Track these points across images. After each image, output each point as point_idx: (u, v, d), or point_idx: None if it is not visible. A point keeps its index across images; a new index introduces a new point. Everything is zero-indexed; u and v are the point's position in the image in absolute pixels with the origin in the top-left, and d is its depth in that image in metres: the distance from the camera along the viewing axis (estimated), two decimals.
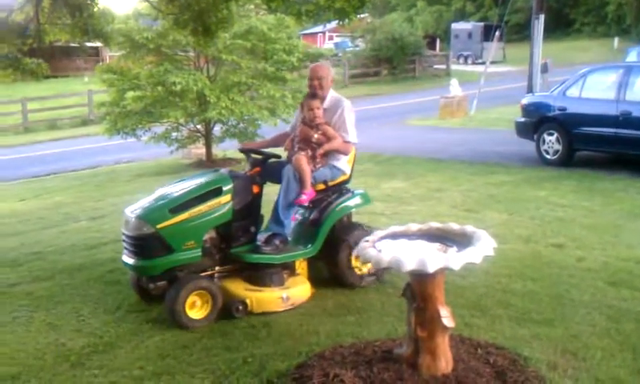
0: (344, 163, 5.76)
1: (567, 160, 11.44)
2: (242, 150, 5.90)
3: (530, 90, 17.10)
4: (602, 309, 5.04)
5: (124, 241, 5.25)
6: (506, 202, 8.85)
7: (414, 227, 4.14)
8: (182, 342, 4.78)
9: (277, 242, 5.40)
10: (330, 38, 53.00)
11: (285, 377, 4.06)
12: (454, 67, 35.80)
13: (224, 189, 5.26)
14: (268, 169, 5.61)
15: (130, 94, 13.43)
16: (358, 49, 37.72)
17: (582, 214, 8.06)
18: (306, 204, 5.54)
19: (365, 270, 5.69)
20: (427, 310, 3.77)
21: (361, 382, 3.75)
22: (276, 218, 5.43)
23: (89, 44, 41.37)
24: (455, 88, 19.99)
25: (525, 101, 12.79)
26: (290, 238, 5.55)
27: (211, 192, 5.23)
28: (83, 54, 40.94)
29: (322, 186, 5.62)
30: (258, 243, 5.43)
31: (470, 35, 42.03)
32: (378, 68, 33.98)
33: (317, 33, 52.08)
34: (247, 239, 5.43)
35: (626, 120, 10.55)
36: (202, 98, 12.90)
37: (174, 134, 13.77)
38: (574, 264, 6.14)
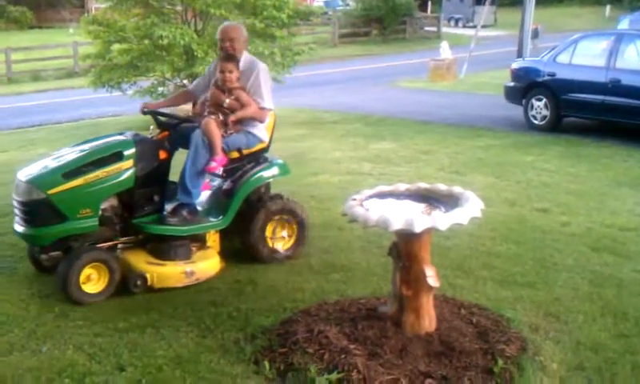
0: (262, 130, 5.36)
1: (555, 126, 11.44)
2: (145, 112, 5.31)
3: (520, 55, 17.01)
4: (585, 273, 5.09)
5: (14, 207, 4.87)
6: (493, 165, 8.86)
7: (401, 187, 4.13)
8: (168, 296, 4.79)
9: (184, 212, 5.04)
10: None
11: (269, 332, 4.09)
12: (444, 30, 35.47)
13: (125, 153, 4.85)
14: (179, 133, 5.21)
15: (116, 46, 13.17)
16: (348, 8, 37.29)
17: (567, 179, 8.10)
18: (218, 171, 5.24)
19: (278, 245, 5.44)
20: (412, 270, 3.79)
21: (345, 339, 3.78)
22: (183, 187, 5.05)
23: None
24: (445, 51, 19.85)
25: (515, 65, 12.74)
26: (200, 208, 5.24)
27: (111, 156, 4.82)
28: (68, 4, 40.33)
29: (236, 154, 5.26)
30: (165, 213, 5.07)
31: None
32: (368, 28, 33.63)
33: None
34: (152, 209, 5.05)
35: (614, 87, 10.54)
36: (189, 52, 12.68)
37: (160, 89, 13.57)
38: (558, 229, 6.18)
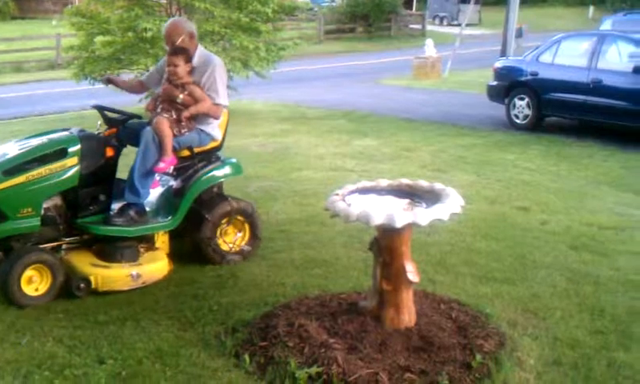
0: (215, 128, 5.21)
1: (536, 125, 11.53)
2: (95, 107, 5.12)
3: (504, 54, 17.11)
4: (563, 271, 5.15)
5: None
6: (475, 163, 8.93)
7: (383, 183, 4.16)
8: (149, 289, 4.78)
9: (131, 212, 4.85)
10: None
11: (250, 326, 4.10)
12: (429, 28, 35.58)
13: (70, 150, 4.66)
14: (128, 130, 5.07)
15: (100, 38, 13.09)
16: (334, 4, 37.26)
17: (548, 178, 8.18)
18: (166, 172, 5.08)
19: (229, 247, 5.32)
20: (393, 265, 3.82)
21: (325, 333, 3.81)
22: (131, 186, 4.86)
23: None
24: (430, 49, 19.90)
25: (498, 64, 12.82)
26: (148, 209, 5.07)
27: (54, 153, 4.63)
28: None
29: (186, 153, 5.09)
30: (111, 213, 4.89)
31: None
32: (354, 25, 33.64)
33: None
34: (98, 208, 4.88)
35: (596, 88, 10.65)
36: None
37: None
38: (537, 227, 6.25)
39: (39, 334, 4.11)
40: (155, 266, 4.87)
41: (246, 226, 5.43)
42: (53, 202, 4.75)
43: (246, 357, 3.73)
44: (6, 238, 4.59)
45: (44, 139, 4.83)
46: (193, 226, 5.15)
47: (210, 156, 5.28)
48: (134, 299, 4.62)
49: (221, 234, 5.28)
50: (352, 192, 4.04)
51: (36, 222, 4.61)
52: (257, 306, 4.44)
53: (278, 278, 4.98)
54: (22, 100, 17.32)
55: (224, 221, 5.28)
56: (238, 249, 5.37)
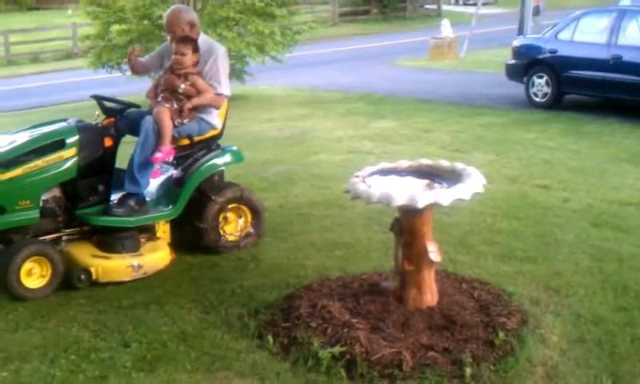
0: (214, 117, 5.15)
1: (556, 103, 11.40)
2: (93, 97, 5.03)
3: (521, 32, 16.93)
4: (585, 248, 5.12)
5: None
6: (494, 143, 8.87)
7: (404, 164, 4.15)
8: (170, 274, 4.82)
9: (131, 202, 4.80)
10: None
11: (273, 307, 4.13)
12: (445, 8, 35.27)
13: (67, 141, 4.60)
14: (127, 120, 4.99)
15: (115, 27, 13.16)
16: None
17: (568, 156, 8.10)
18: (164, 162, 5.00)
19: (231, 234, 5.25)
20: (415, 245, 3.82)
21: (347, 313, 3.82)
22: (131, 176, 4.80)
23: None
24: (446, 29, 19.73)
25: (516, 43, 12.69)
26: (148, 198, 5.01)
27: (52, 145, 4.58)
28: None
29: (186, 142, 5.04)
30: (110, 204, 4.83)
31: None
32: (368, 6, 33.43)
33: None
34: (97, 199, 4.81)
35: (616, 64, 10.50)
36: None
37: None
38: (559, 205, 6.20)
39: (64, 319, 4.17)
40: (156, 255, 4.83)
41: (248, 213, 5.35)
42: (52, 193, 4.71)
43: (270, 338, 3.76)
44: (5, 230, 4.55)
45: (41, 130, 4.77)
46: (194, 215, 5.07)
47: (210, 144, 5.22)
48: (157, 284, 4.66)
49: (223, 222, 5.19)
50: (372, 174, 4.04)
51: (35, 214, 4.57)
52: (279, 288, 4.46)
53: (298, 261, 4.99)
54: (39, 90, 17.49)
55: (227, 208, 5.21)
56: (240, 236, 5.30)
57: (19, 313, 4.27)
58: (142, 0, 12.67)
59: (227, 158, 5.27)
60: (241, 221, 5.32)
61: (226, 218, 5.21)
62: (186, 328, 3.99)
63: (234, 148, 5.37)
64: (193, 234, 5.17)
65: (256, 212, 5.37)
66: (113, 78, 13.89)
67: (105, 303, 4.36)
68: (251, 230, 5.35)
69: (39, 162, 4.52)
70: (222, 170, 5.34)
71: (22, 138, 4.69)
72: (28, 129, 4.90)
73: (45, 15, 32.73)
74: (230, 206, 5.22)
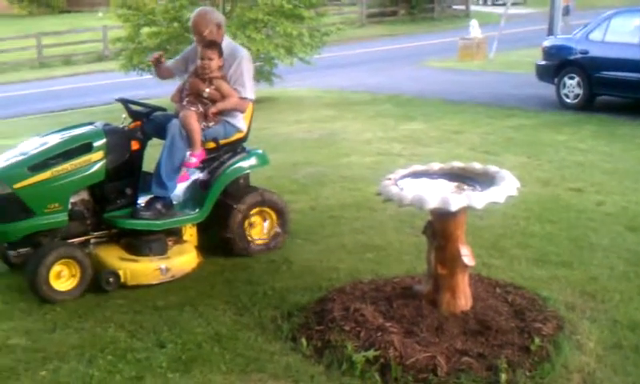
0: (240, 120, 5.16)
1: (587, 104, 11.27)
2: (119, 101, 5.07)
3: (551, 32, 16.75)
4: (621, 253, 5.05)
5: None
6: (525, 145, 8.79)
7: (435, 166, 4.14)
8: (204, 274, 4.87)
9: (158, 205, 4.83)
10: None
11: (306, 310, 4.15)
12: (473, 8, 35.03)
13: (95, 145, 4.64)
14: (153, 123, 5.02)
15: (146, 29, 13.30)
16: None
17: (601, 158, 8.00)
18: (196, 166, 5.03)
19: (256, 237, 5.24)
20: (448, 249, 3.80)
21: (381, 317, 3.82)
22: (158, 180, 4.83)
23: None
24: (475, 29, 19.61)
25: (546, 43, 12.57)
26: (175, 202, 5.03)
27: (79, 148, 4.62)
28: None
29: (212, 145, 5.06)
30: (138, 207, 4.87)
31: None
32: (396, 7, 33.34)
33: None
34: (125, 202, 4.85)
35: None
36: None
37: None
38: (593, 208, 6.13)
39: (101, 319, 4.24)
40: (184, 258, 4.86)
41: (274, 216, 5.34)
42: (80, 196, 4.75)
43: (303, 340, 3.77)
44: (34, 233, 4.59)
45: (69, 134, 4.81)
46: (220, 218, 5.07)
47: (236, 147, 5.23)
48: (190, 285, 4.71)
49: (249, 225, 5.20)
50: (404, 176, 4.03)
51: (63, 217, 4.60)
52: (311, 291, 4.48)
53: (330, 263, 5.00)
54: (71, 92, 17.73)
55: (252, 212, 5.22)
56: (266, 238, 5.31)
57: (57, 313, 4.34)
58: (172, 3, 12.80)
59: (253, 160, 5.28)
60: (266, 223, 5.33)
61: (251, 224, 5.22)
62: (220, 329, 4.03)
63: (260, 151, 5.39)
64: (222, 244, 5.18)
65: (280, 211, 5.36)
66: (143, 81, 14.02)
67: (140, 304, 4.42)
68: (278, 230, 5.36)
69: (67, 166, 4.57)
70: (248, 173, 5.34)
71: (51, 141, 4.74)
72: (56, 132, 4.95)
73: (76, 18, 33.18)
74: (252, 212, 5.22)
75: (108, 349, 3.85)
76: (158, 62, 5.29)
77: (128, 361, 3.72)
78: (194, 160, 4.85)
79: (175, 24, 12.57)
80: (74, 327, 4.15)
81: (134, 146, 4.89)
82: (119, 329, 4.09)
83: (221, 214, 5.08)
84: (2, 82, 20.93)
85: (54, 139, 4.77)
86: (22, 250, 4.66)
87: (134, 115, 5.04)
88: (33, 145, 4.77)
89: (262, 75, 13.57)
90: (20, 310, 4.39)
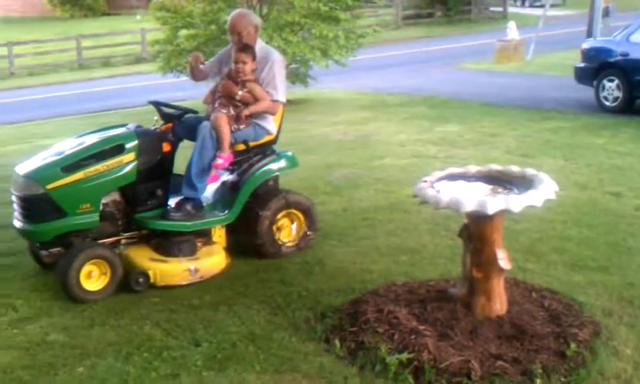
0: (270, 122, 5.18)
1: (627, 107, 11.06)
2: (151, 103, 5.13)
3: (591, 34, 16.49)
4: None
5: (13, 202, 4.78)
6: (563, 148, 8.67)
7: (472, 169, 4.11)
8: (238, 274, 4.92)
9: (188, 207, 4.88)
10: None
11: (339, 311, 4.16)
12: (510, 10, 34.65)
13: (127, 146, 4.70)
14: (184, 125, 5.06)
15: (184, 32, 13.45)
16: None
17: None
18: (223, 168, 5.05)
19: (285, 240, 5.25)
20: (484, 252, 3.78)
21: (415, 320, 3.81)
22: (188, 181, 4.89)
23: None
24: (513, 31, 19.37)
25: (585, 45, 12.37)
26: (205, 203, 5.07)
27: (112, 149, 4.67)
28: None
29: (242, 147, 5.08)
30: (168, 208, 4.91)
31: None
32: (432, 9, 33.16)
33: None
34: (155, 203, 4.89)
35: None
36: None
37: None
38: (631, 213, 6.02)
39: (137, 317, 4.31)
40: (212, 260, 4.89)
41: (302, 217, 5.34)
42: (111, 197, 4.81)
43: (337, 342, 3.78)
44: (65, 233, 4.65)
45: (101, 135, 4.87)
46: (249, 220, 5.09)
47: (266, 149, 5.25)
48: (225, 284, 4.75)
49: (277, 227, 5.22)
50: (440, 179, 4.01)
51: (95, 217, 4.66)
52: (344, 292, 4.48)
53: (364, 265, 5.01)
54: (110, 93, 18.02)
55: (281, 214, 5.23)
56: (295, 239, 5.31)
57: (94, 310, 4.43)
58: (210, 5, 12.91)
59: (282, 163, 5.29)
60: (294, 225, 5.33)
61: (279, 228, 5.23)
62: (254, 329, 4.06)
63: (289, 153, 5.40)
64: (247, 240, 5.21)
65: (306, 211, 5.36)
66: (181, 82, 14.18)
67: (176, 302, 4.48)
68: (307, 231, 5.36)
69: (99, 167, 4.62)
70: (277, 175, 5.35)
71: (84, 142, 4.81)
72: (89, 133, 5.03)
73: (115, 20, 33.74)
74: (279, 216, 5.22)
75: (144, 346, 3.91)
76: (196, 63, 5.31)
77: (164, 358, 3.78)
78: (220, 162, 4.88)
79: (212, 26, 12.68)
80: (111, 324, 4.23)
81: (166, 147, 4.93)
82: (155, 327, 4.16)
83: (248, 221, 5.11)
84: (42, 83, 21.40)
85: (87, 140, 4.83)
86: (54, 250, 4.73)
87: (165, 117, 5.08)
88: (66, 146, 4.85)
89: (297, 77, 13.63)
90: (58, 307, 4.49)
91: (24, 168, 4.71)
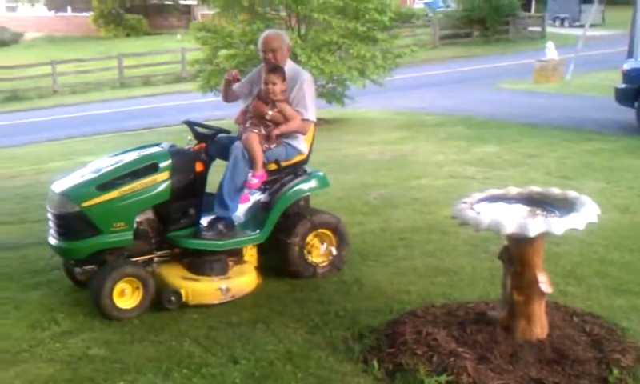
0: (301, 142, 5.20)
1: None
2: (185, 123, 5.20)
3: (631, 55, 16.25)
4: None
5: (48, 219, 4.84)
6: (603, 170, 8.54)
7: (513, 191, 4.08)
8: (275, 293, 4.93)
9: (220, 226, 4.91)
10: None
11: (377, 332, 4.14)
12: (549, 30, 34.37)
13: (161, 165, 4.75)
14: (217, 145, 5.10)
15: (223, 52, 13.66)
16: (449, 9, 36.77)
17: None
18: (257, 188, 5.06)
19: (318, 261, 5.24)
20: (525, 275, 3.74)
21: (454, 342, 3.78)
22: (220, 201, 4.93)
23: (182, 2, 42.09)
24: (551, 51, 19.22)
25: (627, 66, 12.18)
26: (236, 222, 5.09)
27: (146, 168, 4.73)
28: (176, 12, 41.97)
29: (273, 166, 5.11)
30: (200, 227, 4.95)
31: None
32: (470, 29, 33.07)
33: None
34: (188, 222, 4.93)
35: None
36: (292, 57, 12.96)
37: None
38: None
39: (176, 333, 4.35)
40: (244, 279, 4.91)
41: (334, 238, 5.32)
42: (145, 216, 4.84)
43: (375, 363, 3.77)
44: (99, 251, 4.70)
45: (136, 154, 4.93)
46: (281, 240, 5.11)
47: (297, 169, 5.27)
48: (262, 303, 4.78)
49: (309, 247, 5.22)
50: (480, 200, 3.99)
51: (129, 236, 4.71)
52: (382, 313, 4.47)
53: (401, 286, 4.99)
54: (150, 112, 18.34)
55: (313, 234, 5.23)
56: (327, 260, 5.30)
57: (134, 326, 4.49)
58: (249, 26, 13.10)
59: (313, 183, 5.29)
60: (324, 245, 5.31)
61: (309, 252, 5.23)
62: (291, 348, 4.07)
63: (320, 173, 5.39)
64: (280, 260, 5.21)
65: (334, 229, 5.33)
66: (219, 102, 14.33)
67: (214, 319, 4.52)
68: (334, 251, 5.31)
69: (134, 185, 4.67)
70: (308, 195, 5.35)
71: (119, 161, 4.87)
72: (125, 152, 5.09)
73: (156, 40, 34.38)
74: (308, 239, 5.21)
75: (183, 363, 3.94)
76: (232, 80, 5.35)
77: (202, 375, 3.80)
78: (255, 181, 4.91)
79: (252, 46, 12.83)
80: (151, 340, 4.27)
81: (199, 167, 4.98)
82: (194, 343, 4.19)
83: (278, 248, 5.14)
84: (84, 101, 21.92)
85: (122, 159, 4.89)
86: (87, 268, 4.78)
87: (199, 137, 5.14)
88: (102, 164, 4.92)
89: (333, 97, 13.71)
90: (99, 322, 4.55)
91: (60, 186, 4.77)
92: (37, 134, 15.55)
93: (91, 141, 13.95)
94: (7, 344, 4.28)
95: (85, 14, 40.93)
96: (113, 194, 4.63)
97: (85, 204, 4.58)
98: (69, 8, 43.57)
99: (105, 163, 4.92)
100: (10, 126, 17.67)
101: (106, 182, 4.66)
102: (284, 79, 5.02)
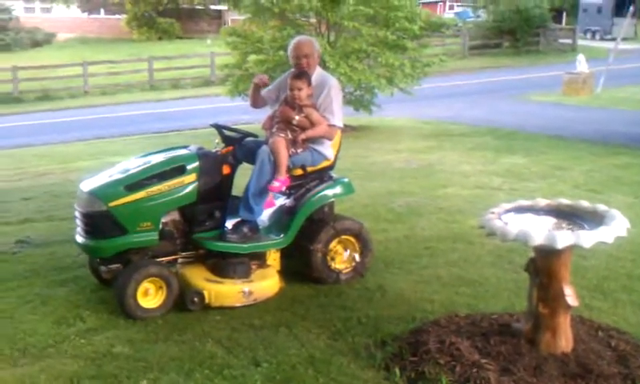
0: (327, 148, 5.20)
1: None
2: (213, 126, 5.24)
3: None
4: None
5: (76, 218, 4.89)
6: (632, 184, 8.42)
7: (541, 202, 4.04)
8: (298, 297, 4.94)
9: (245, 229, 4.94)
10: (450, 8, 51.89)
11: (400, 340, 4.12)
12: (580, 42, 34.05)
13: (188, 167, 4.80)
14: (244, 148, 5.12)
15: (253, 57, 13.73)
16: (479, 19, 36.63)
17: None
18: (280, 191, 5.07)
19: (342, 267, 5.24)
20: (551, 287, 3.70)
21: (477, 352, 3.75)
22: (246, 204, 4.95)
23: (213, 7, 42.51)
24: (582, 64, 19.03)
25: None
26: (261, 226, 5.11)
27: (173, 170, 4.78)
28: (207, 16, 42.33)
29: (299, 172, 5.12)
30: (225, 230, 4.98)
31: (599, 10, 39.73)
32: (500, 40, 32.89)
33: (437, 1, 51.11)
34: (213, 224, 4.96)
35: None
36: (321, 63, 13.00)
37: None
38: None
39: (200, 334, 4.38)
40: (266, 283, 4.92)
41: (357, 245, 5.32)
42: (171, 217, 4.89)
43: (397, 370, 3.75)
44: (125, 250, 4.76)
45: (164, 156, 4.98)
46: (304, 245, 5.11)
47: (323, 175, 5.28)
48: (285, 307, 4.78)
49: (333, 253, 5.22)
50: (508, 211, 3.96)
51: (155, 236, 4.76)
52: (405, 321, 4.45)
53: (425, 294, 4.96)
54: (179, 114, 18.51)
55: (336, 240, 5.23)
56: (350, 266, 5.29)
57: (158, 325, 4.52)
58: (279, 32, 13.17)
59: (338, 189, 5.29)
60: (347, 252, 5.31)
61: (333, 258, 5.23)
62: (313, 352, 4.07)
63: (345, 179, 5.40)
64: (302, 265, 5.21)
65: (357, 235, 5.32)
66: (247, 106, 14.41)
67: (237, 321, 4.54)
68: (357, 257, 5.30)
69: (161, 187, 4.72)
70: (333, 201, 5.36)
71: (147, 162, 4.93)
72: (153, 153, 5.15)
73: (187, 44, 34.72)
74: (331, 246, 5.22)
75: (206, 363, 3.97)
76: (261, 84, 5.35)
77: (224, 376, 3.82)
78: (277, 184, 4.90)
79: (281, 52, 12.90)
80: (174, 340, 4.31)
81: (225, 170, 5.01)
82: (216, 344, 4.21)
83: (302, 254, 5.15)
84: (114, 102, 22.20)
85: (150, 160, 4.95)
86: (113, 266, 4.82)
87: (226, 140, 5.15)
88: (130, 165, 4.97)
89: (361, 104, 13.71)
90: (124, 320, 4.59)
91: (88, 185, 4.82)
92: (66, 133, 15.78)
93: (119, 142, 14.11)
94: (33, 339, 4.34)
95: (117, 16, 41.48)
96: (140, 195, 4.67)
97: (112, 203, 4.63)
98: (102, 10, 44.20)
99: (133, 164, 4.97)
100: (39, 125, 17.94)
101: (134, 183, 4.71)
102: (309, 84, 5.05)
